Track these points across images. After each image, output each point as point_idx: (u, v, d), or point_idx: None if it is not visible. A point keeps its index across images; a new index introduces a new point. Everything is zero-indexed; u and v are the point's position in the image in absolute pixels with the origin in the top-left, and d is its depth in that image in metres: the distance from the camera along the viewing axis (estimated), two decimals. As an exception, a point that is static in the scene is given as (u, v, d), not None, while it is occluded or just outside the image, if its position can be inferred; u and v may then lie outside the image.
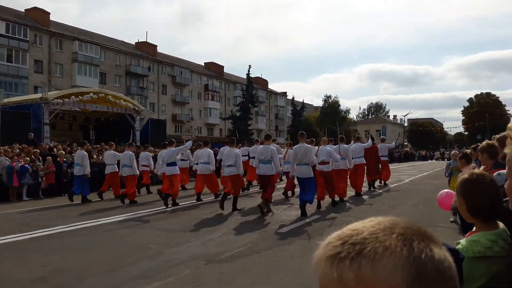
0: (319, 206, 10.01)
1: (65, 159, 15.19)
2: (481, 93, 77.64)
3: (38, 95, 21.05)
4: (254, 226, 8.04)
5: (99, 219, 8.93)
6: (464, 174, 1.77)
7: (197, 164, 12.84)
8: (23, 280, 4.93)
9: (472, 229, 1.71)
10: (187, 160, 14.53)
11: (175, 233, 7.51)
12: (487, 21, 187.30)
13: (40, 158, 14.46)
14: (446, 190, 4.15)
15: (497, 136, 4.44)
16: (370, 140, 14.52)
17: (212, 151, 12.60)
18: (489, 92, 77.32)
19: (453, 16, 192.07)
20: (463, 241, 1.65)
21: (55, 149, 15.59)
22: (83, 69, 42.40)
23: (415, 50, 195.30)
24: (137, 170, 12.80)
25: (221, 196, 10.40)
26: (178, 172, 11.76)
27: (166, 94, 53.58)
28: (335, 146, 11.42)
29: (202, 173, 12.07)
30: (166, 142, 12.72)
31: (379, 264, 0.51)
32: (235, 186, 10.18)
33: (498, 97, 76.11)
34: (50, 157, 14.43)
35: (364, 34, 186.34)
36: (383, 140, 16.92)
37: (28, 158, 13.80)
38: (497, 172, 2.99)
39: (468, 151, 6.92)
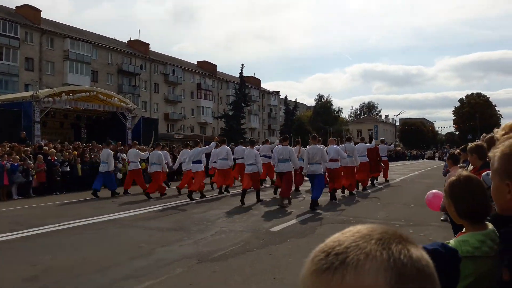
0: (333, 197, 11.38)
1: (56, 158, 15.08)
2: (472, 93, 78.40)
3: (29, 93, 20.82)
4: (247, 225, 8.06)
5: (91, 218, 8.89)
6: (452, 176, 1.80)
7: (215, 162, 13.93)
8: (14, 279, 4.90)
9: (462, 230, 1.74)
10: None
11: (167, 232, 7.50)
12: (478, 22, 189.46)
13: (31, 156, 14.35)
14: (433, 191, 4.19)
15: (486, 136, 4.52)
16: (373, 141, 16.31)
17: (229, 149, 13.81)
18: (480, 93, 78.14)
19: (445, 17, 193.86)
20: (452, 241, 1.68)
21: (46, 147, 15.46)
22: (74, 67, 42.05)
23: (408, 51, 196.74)
24: (166, 168, 13.81)
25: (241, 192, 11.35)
26: (203, 169, 12.89)
27: (159, 93, 53.35)
28: (341, 145, 12.59)
29: (221, 168, 13.32)
30: (188, 142, 14.07)
31: (362, 270, 0.53)
32: (255, 182, 11.35)
33: (488, 97, 76.96)
34: (41, 156, 14.32)
35: (357, 35, 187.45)
36: (382, 141, 18.27)
37: (18, 157, 13.69)
38: (486, 172, 3.04)
39: (456, 151, 6.99)
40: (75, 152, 16.39)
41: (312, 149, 10.35)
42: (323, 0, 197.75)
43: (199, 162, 12.59)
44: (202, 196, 12.47)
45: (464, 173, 1.81)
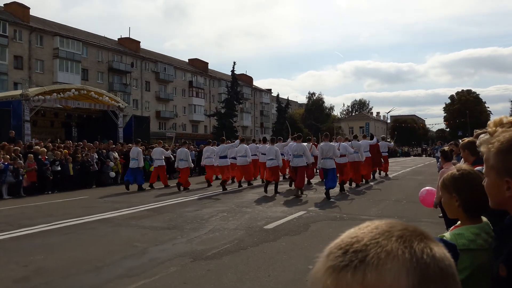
0: (342, 188, 12.69)
1: (47, 157, 14.91)
2: (462, 90, 78.94)
3: (18, 92, 20.58)
4: (240, 223, 8.04)
5: (83, 217, 8.81)
6: (452, 170, 1.80)
7: (234, 158, 15.42)
8: (5, 280, 4.84)
9: (456, 224, 1.75)
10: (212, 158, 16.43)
11: (160, 231, 7.45)
12: (469, 19, 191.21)
13: (21, 155, 14.17)
14: (426, 187, 4.20)
15: (478, 131, 4.54)
16: (375, 138, 17.72)
17: (248, 147, 15.53)
18: (470, 90, 78.69)
19: (436, 13, 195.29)
20: (447, 234, 1.68)
21: (37, 147, 15.28)
22: (64, 65, 41.64)
23: (399, 48, 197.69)
24: (192, 164, 15.43)
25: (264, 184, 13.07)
26: (229, 164, 15.06)
27: (150, 91, 53.05)
28: (348, 142, 14.38)
29: (241, 164, 14.89)
30: (210, 140, 15.87)
31: (383, 270, 0.51)
32: (276, 175, 12.79)
33: (478, 94, 77.64)
34: (31, 155, 14.15)
35: (348, 32, 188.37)
36: (383, 139, 19.96)
37: (8, 156, 13.52)
38: (481, 167, 3.05)
39: (446, 148, 7.03)
40: (66, 151, 16.24)
41: (325, 146, 11.82)
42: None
43: (225, 157, 14.90)
44: (224, 188, 13.96)
45: (465, 166, 1.81)
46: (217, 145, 16.08)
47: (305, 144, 13.50)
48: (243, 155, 14.83)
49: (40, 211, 10.23)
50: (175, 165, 15.46)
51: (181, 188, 14.07)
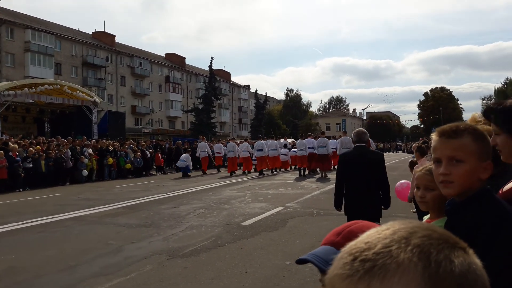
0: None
1: (18, 153, 14.47)
2: (436, 87, 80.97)
3: (-13, 86, 19.88)
4: (218, 220, 8.01)
5: (55, 215, 8.60)
6: (420, 167, 1.84)
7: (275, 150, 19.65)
8: (-27, 281, 4.68)
9: (426, 218, 1.79)
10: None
11: (136, 228, 7.35)
12: (445, 17, 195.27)
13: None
14: (402, 181, 4.26)
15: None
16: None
17: (277, 143, 20.29)
18: (443, 87, 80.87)
19: (414, 11, 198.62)
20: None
21: (10, 143, 14.80)
22: (36, 59, 40.43)
23: (378, 44, 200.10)
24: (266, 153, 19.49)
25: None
26: (278, 155, 19.53)
27: (125, 86, 52.11)
28: (342, 138, 17.99)
29: (272, 156, 19.52)
30: (260, 135, 21.89)
31: (389, 283, 0.47)
32: (305, 162, 17.87)
33: (451, 91, 79.90)
34: (2, 152, 13.71)
35: (328, 28, 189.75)
36: (370, 137, 23.64)
37: (-23, 153, 13.05)
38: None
39: (416, 145, 7.22)
40: (39, 147, 15.81)
41: (344, 139, 16.80)
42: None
43: (274, 149, 19.26)
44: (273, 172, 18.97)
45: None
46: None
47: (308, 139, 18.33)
48: (273, 149, 19.23)
49: (11, 209, 9.93)
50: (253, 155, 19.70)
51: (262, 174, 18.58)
